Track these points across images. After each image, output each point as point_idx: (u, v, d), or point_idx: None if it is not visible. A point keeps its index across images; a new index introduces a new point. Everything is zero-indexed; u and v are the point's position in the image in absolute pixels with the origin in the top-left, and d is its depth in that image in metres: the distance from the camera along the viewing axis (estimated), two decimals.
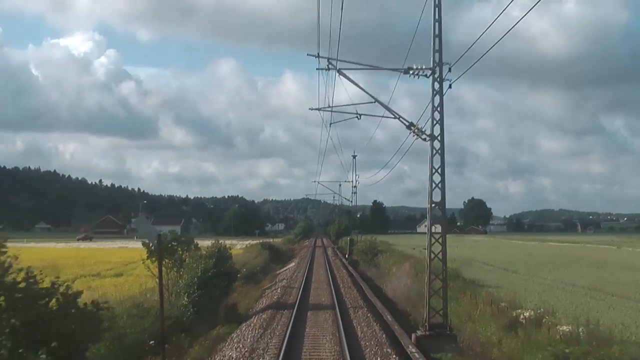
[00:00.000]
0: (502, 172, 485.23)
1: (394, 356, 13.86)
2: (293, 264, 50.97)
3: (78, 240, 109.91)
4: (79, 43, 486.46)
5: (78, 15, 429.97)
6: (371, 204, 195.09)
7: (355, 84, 17.40)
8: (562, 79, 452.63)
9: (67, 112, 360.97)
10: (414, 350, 14.61)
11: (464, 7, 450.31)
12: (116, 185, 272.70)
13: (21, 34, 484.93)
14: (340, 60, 17.40)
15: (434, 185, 16.44)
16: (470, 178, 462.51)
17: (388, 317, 19.95)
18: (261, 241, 69.01)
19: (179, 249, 22.20)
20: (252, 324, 18.82)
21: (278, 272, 43.33)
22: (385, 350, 14.57)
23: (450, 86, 15.67)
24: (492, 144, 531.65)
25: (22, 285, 8.29)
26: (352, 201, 67.76)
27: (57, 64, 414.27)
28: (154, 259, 19.73)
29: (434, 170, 16.31)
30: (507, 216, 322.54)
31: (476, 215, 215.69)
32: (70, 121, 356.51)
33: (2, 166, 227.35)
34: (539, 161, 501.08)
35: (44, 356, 7.75)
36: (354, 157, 63.86)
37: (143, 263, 21.44)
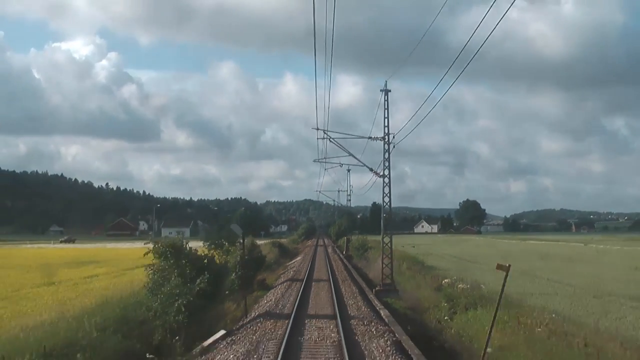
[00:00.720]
0: (503, 172, 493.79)
1: (360, 298, 25.23)
2: (299, 257, 62.44)
3: (61, 242, 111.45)
4: (80, 47, 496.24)
5: (79, 19, 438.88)
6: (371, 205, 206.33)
7: (341, 147, 28.72)
8: (561, 80, 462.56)
9: (68, 115, 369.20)
10: (372, 296, 25.98)
11: (462, 9, 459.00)
12: (121, 188, 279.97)
13: (23, 38, 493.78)
14: (330, 131, 28.85)
15: (385, 203, 27.69)
16: (471, 178, 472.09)
17: (363, 284, 31.39)
18: (271, 241, 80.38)
19: (227, 244, 33.47)
20: (277, 290, 30.17)
21: (288, 263, 54.79)
22: (356, 297, 25.93)
23: (394, 146, 26.89)
24: (492, 145, 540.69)
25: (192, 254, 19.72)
26: (348, 204, 78.69)
27: (59, 67, 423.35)
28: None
29: (384, 194, 27.57)
30: (508, 216, 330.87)
31: (471, 216, 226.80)
32: (71, 124, 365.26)
33: (11, 170, 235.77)
34: (540, 161, 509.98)
35: (202, 285, 18.89)
36: (348, 171, 73.08)
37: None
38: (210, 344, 16.74)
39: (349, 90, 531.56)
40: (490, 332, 13.41)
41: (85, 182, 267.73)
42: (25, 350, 12.86)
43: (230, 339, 16.76)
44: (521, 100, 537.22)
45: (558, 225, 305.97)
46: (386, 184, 27.23)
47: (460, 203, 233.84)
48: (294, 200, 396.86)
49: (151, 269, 18.80)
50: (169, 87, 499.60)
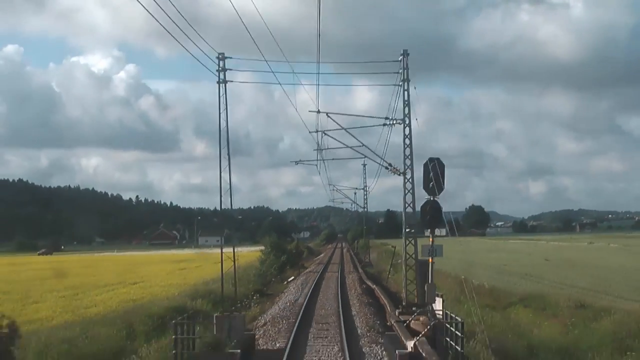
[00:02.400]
0: (521, 173, 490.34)
1: (353, 269, 50.92)
2: (322, 254, 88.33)
3: (38, 254, 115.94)
4: (98, 60, 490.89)
5: (97, 35, 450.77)
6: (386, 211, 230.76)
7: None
8: (573, 80, 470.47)
9: (89, 127, 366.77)
10: (361, 271, 51.63)
11: (473, 14, 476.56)
12: (148, 199, 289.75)
13: (42, 53, 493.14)
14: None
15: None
16: (490, 179, 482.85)
17: (357, 263, 57.19)
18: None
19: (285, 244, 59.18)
20: (311, 266, 55.83)
21: (315, 257, 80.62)
22: (351, 269, 51.58)
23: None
24: (509, 146, 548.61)
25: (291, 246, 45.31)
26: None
27: (78, 80, 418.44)
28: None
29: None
30: (526, 217, 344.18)
31: (476, 220, 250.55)
32: (92, 136, 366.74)
33: (34, 182, 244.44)
34: (557, 162, 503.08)
35: (283, 259, 44.29)
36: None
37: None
38: (288, 281, 42.37)
39: (364, 96, 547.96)
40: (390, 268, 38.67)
41: (115, 195, 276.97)
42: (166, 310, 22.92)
43: (295, 279, 42.47)
44: (535, 102, 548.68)
45: (562, 226, 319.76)
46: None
47: (466, 208, 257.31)
48: (315, 207, 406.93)
49: (262, 253, 44.61)
50: (186, 97, 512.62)
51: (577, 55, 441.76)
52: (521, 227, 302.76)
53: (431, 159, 19.83)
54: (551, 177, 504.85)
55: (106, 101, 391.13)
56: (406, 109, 23.91)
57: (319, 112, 25.05)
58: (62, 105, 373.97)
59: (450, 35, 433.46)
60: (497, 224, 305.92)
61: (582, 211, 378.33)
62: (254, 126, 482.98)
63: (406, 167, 24.06)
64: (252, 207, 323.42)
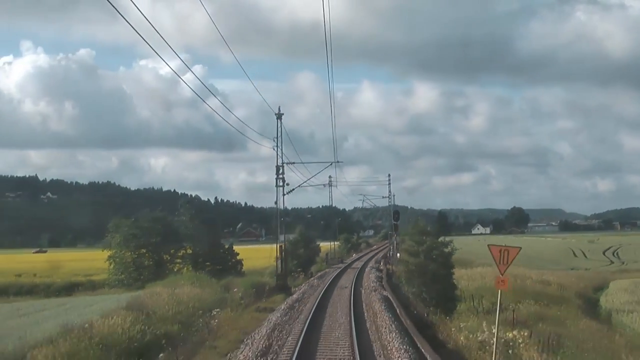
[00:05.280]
0: (587, 171, 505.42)
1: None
2: (375, 246, 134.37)
3: (34, 253, 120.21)
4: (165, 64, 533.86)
5: (165, 43, 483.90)
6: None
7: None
8: (634, 78, 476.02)
9: (157, 128, 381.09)
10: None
11: (527, 16, 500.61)
12: (223, 200, 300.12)
13: (113, 57, 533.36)
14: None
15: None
16: (555, 177, 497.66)
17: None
18: (362, 240, 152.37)
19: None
20: (363, 253, 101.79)
21: (371, 248, 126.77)
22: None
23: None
24: (573, 144, 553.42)
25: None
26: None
27: (147, 83, 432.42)
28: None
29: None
30: (588, 215, 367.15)
31: (516, 219, 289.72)
32: (160, 136, 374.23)
33: (139, 187, 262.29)
34: (624, 159, 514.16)
35: (349, 245, 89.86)
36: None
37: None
38: (352, 256, 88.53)
39: (425, 96, 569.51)
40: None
41: (193, 195, 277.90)
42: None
43: (356, 256, 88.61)
44: (596, 100, 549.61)
45: (604, 225, 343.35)
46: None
47: (508, 210, 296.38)
48: (380, 206, 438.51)
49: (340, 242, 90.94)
50: (251, 98, 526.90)
51: (635, 52, 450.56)
52: (566, 226, 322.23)
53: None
54: (619, 175, 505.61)
55: (174, 102, 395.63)
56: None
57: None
58: (133, 107, 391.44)
59: (507, 37, 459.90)
60: (538, 223, 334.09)
61: None
62: (317, 126, 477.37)
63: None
64: (321, 207, 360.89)
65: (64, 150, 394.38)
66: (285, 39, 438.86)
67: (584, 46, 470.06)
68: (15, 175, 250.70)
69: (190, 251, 59.15)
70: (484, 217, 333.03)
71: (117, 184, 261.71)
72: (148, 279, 47.30)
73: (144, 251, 57.17)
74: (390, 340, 18.24)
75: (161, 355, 17.33)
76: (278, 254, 41.66)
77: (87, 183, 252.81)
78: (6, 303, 38.48)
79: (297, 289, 38.12)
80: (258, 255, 64.38)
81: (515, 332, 17.70)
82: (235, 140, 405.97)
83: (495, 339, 15.84)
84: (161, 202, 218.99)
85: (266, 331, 20.20)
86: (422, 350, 17.52)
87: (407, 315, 24.41)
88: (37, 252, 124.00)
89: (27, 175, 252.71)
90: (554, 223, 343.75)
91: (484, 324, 18.89)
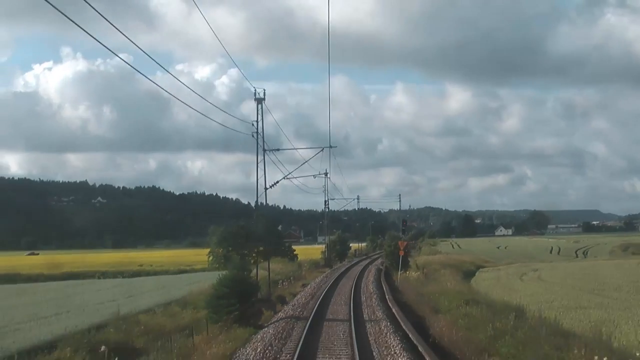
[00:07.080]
0: (623, 171, 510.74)
1: None
2: None
3: (27, 255, 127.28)
4: (202, 67, 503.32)
5: (202, 49, 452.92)
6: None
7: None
8: None
9: (193, 131, 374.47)
10: None
11: (557, 18, 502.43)
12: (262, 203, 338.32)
13: (151, 62, 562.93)
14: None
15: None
16: (591, 178, 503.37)
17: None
18: None
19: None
20: None
21: None
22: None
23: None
24: (608, 145, 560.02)
25: None
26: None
27: (183, 87, 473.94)
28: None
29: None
30: (623, 216, 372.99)
31: (537, 221, 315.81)
32: (195, 139, 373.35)
33: (183, 192, 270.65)
34: None
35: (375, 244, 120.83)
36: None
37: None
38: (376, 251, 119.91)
39: (459, 97, 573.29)
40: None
41: (233, 199, 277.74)
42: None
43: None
44: (630, 101, 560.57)
45: (625, 226, 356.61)
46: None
47: (529, 212, 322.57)
48: (415, 208, 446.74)
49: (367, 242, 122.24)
50: (285, 101, 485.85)
51: None
52: (588, 228, 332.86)
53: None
54: None
55: (209, 105, 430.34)
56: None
57: None
58: (170, 111, 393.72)
59: (538, 39, 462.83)
60: (563, 225, 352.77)
61: None
62: (352, 129, 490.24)
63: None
64: (357, 209, 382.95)
65: (102, 153, 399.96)
66: (317, 43, 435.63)
67: (615, 48, 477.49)
68: (66, 181, 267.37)
69: (262, 248, 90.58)
70: (518, 218, 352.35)
71: (161, 188, 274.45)
72: None
73: (231, 249, 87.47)
74: (371, 280, 49.67)
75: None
76: (324, 248, 74.10)
77: (133, 188, 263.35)
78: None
79: (336, 266, 70.64)
80: (306, 253, 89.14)
81: (418, 273, 49.23)
82: (271, 143, 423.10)
83: (398, 275, 47.68)
84: (203, 204, 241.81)
85: (322, 277, 52.05)
86: (382, 282, 49.08)
87: (384, 273, 56.13)
88: (30, 254, 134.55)
89: (78, 181, 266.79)
90: (574, 225, 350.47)
91: (408, 272, 50.51)
